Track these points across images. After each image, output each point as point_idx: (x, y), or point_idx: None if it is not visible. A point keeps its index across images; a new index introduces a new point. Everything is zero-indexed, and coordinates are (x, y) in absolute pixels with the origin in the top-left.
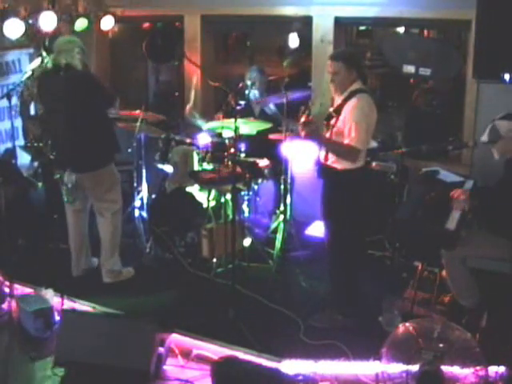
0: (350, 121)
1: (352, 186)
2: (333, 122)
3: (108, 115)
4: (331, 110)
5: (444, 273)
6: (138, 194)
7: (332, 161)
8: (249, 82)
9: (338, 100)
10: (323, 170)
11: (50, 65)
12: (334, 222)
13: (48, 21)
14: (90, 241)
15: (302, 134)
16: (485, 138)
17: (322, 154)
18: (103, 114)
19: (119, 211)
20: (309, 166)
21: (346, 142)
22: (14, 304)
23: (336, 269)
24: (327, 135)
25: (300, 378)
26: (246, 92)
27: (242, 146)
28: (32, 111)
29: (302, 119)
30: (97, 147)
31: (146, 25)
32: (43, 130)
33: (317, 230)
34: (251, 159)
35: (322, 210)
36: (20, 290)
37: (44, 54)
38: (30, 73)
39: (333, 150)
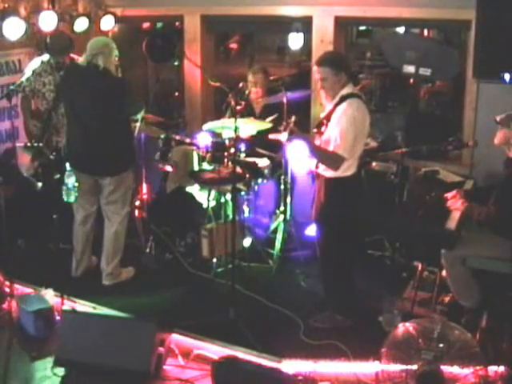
0: (338, 127)
1: (342, 195)
2: (323, 129)
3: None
4: (322, 116)
5: (444, 273)
6: (138, 193)
7: (322, 169)
8: (252, 80)
9: (328, 106)
10: (315, 176)
11: (83, 63)
12: (325, 225)
13: (48, 21)
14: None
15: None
16: (499, 117)
17: (314, 162)
18: (129, 119)
19: (126, 216)
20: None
21: (331, 148)
22: (14, 304)
23: (326, 270)
24: (317, 143)
25: (300, 377)
26: (246, 92)
27: (242, 146)
28: (32, 106)
29: (285, 135)
30: (123, 151)
31: (146, 25)
32: (45, 126)
33: (315, 231)
34: (251, 159)
35: (314, 213)
36: (20, 290)
37: (45, 52)
38: (30, 73)
39: (316, 155)
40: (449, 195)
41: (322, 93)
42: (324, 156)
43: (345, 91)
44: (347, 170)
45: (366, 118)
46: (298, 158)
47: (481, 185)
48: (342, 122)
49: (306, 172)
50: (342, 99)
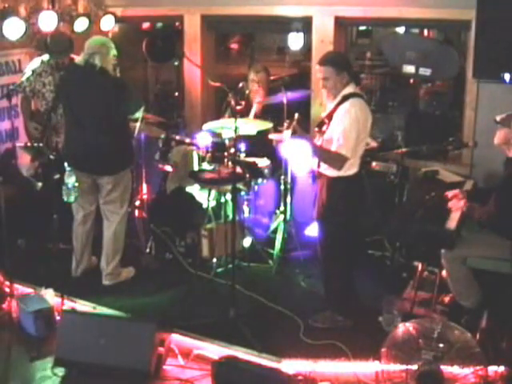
0: (340, 126)
1: (344, 194)
2: (324, 128)
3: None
4: (323, 115)
5: (444, 273)
6: (138, 193)
7: (324, 168)
8: (255, 78)
9: (330, 106)
10: (317, 176)
11: (81, 62)
12: (326, 224)
13: (48, 21)
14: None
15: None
16: (499, 117)
17: (315, 161)
18: (127, 118)
19: (125, 216)
20: (308, 167)
21: (333, 148)
22: (14, 304)
23: (327, 269)
24: (318, 143)
25: (300, 377)
26: (247, 92)
27: (242, 146)
28: (32, 107)
29: (288, 133)
30: (121, 150)
31: (146, 25)
32: (45, 126)
33: (317, 230)
34: (251, 159)
35: (316, 212)
36: (20, 290)
37: (45, 53)
38: (30, 73)
39: (319, 155)
40: (450, 194)
41: (323, 92)
42: (327, 156)
43: (347, 91)
44: (349, 169)
45: (368, 118)
46: (299, 157)
47: (481, 185)
48: (344, 122)
49: (308, 172)
50: (344, 99)
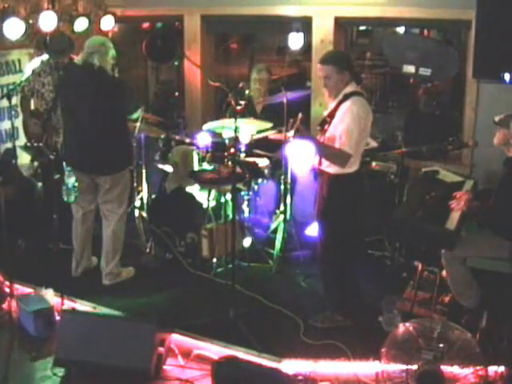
0: (342, 124)
1: (345, 191)
2: (326, 127)
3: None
4: (325, 114)
5: (444, 273)
6: (138, 194)
7: (326, 165)
8: (257, 77)
9: (331, 104)
10: (318, 173)
11: (79, 62)
12: (327, 223)
13: (48, 21)
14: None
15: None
16: (497, 118)
17: (317, 158)
18: (126, 119)
19: (124, 215)
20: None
21: (336, 146)
22: (14, 304)
23: (327, 268)
24: (320, 141)
25: (300, 377)
26: (247, 92)
27: (242, 146)
28: (32, 106)
29: (292, 132)
30: (118, 150)
31: (146, 25)
32: (45, 126)
33: (317, 230)
34: (251, 159)
35: (316, 210)
36: (20, 290)
37: (45, 52)
38: (30, 73)
39: (322, 153)
40: (458, 195)
41: (324, 91)
42: (331, 153)
43: (348, 89)
44: (350, 166)
45: (369, 116)
46: (301, 157)
47: (481, 185)
48: (346, 120)
49: (309, 170)
50: (346, 97)
